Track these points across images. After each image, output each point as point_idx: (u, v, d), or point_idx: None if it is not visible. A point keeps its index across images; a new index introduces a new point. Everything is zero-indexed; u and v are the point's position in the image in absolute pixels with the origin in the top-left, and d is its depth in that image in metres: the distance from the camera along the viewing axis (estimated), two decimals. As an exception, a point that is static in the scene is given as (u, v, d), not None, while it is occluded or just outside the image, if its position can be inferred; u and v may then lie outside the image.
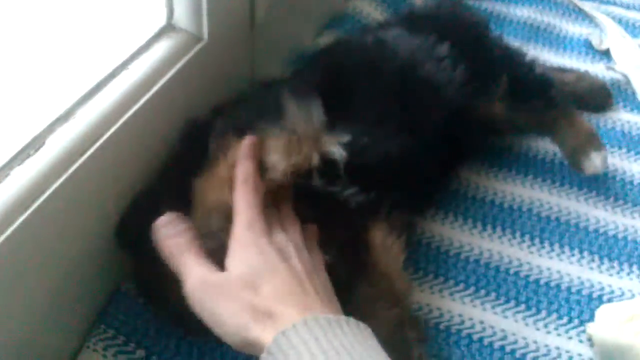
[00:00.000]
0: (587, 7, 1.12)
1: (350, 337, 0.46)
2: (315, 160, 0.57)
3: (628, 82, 0.97)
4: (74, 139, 0.53)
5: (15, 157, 0.51)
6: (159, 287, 0.57)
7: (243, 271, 0.50)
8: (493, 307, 0.68)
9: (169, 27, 0.66)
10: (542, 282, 0.70)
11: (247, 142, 0.57)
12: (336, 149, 0.58)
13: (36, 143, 0.52)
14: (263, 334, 0.46)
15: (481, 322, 0.66)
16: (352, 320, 0.48)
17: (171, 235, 0.53)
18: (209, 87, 0.69)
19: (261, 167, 0.57)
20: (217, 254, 0.52)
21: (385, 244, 0.61)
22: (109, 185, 0.57)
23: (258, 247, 0.52)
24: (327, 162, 0.58)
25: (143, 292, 0.63)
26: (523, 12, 1.10)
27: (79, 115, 0.55)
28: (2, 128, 0.52)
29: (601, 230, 0.76)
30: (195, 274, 0.50)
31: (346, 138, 0.58)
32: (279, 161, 0.56)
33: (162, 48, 0.64)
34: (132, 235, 0.59)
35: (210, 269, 0.51)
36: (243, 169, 0.55)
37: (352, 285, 0.58)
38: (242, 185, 0.55)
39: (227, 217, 0.54)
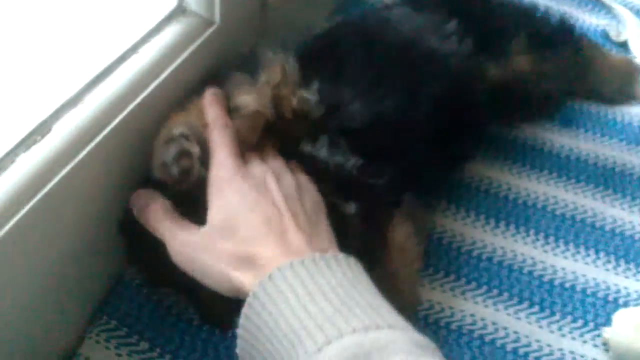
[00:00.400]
0: (605, -2, 1.10)
1: (339, 275, 0.45)
2: (293, 103, 0.56)
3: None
4: (82, 125, 0.51)
5: (21, 143, 0.49)
6: (163, 272, 0.55)
7: (219, 219, 0.50)
8: (506, 308, 0.66)
9: (179, 11, 0.63)
10: (556, 282, 0.69)
11: (209, 91, 0.57)
12: (310, 95, 0.57)
13: (43, 129, 0.50)
14: (245, 279, 0.46)
15: (494, 323, 0.65)
16: (341, 256, 0.47)
17: (147, 204, 0.53)
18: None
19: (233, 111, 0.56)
20: (180, 160, 0.52)
21: (405, 245, 0.59)
22: (116, 174, 0.56)
23: (232, 185, 0.51)
24: (301, 115, 0.57)
25: (148, 281, 0.62)
26: (539, 3, 1.07)
27: (87, 101, 0.53)
28: (7, 113, 0.50)
29: (618, 231, 0.74)
30: (175, 238, 0.51)
31: (315, 85, 0.58)
32: (249, 101, 0.56)
33: (172, 32, 0.61)
34: (136, 227, 0.57)
35: (189, 228, 0.51)
36: (211, 113, 0.55)
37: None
38: (211, 128, 0.54)
39: (191, 128, 0.54)
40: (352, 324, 0.42)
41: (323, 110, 0.58)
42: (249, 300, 0.45)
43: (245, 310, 0.45)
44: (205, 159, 0.53)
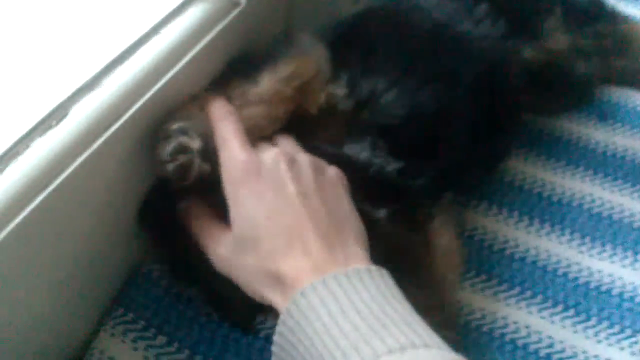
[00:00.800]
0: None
1: (373, 289, 0.43)
2: (320, 99, 0.54)
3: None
4: (100, 110, 0.48)
5: (36, 127, 0.46)
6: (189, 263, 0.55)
7: (239, 230, 0.48)
8: (540, 311, 0.63)
9: (203, -10, 0.60)
10: (592, 285, 0.65)
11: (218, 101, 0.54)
12: (339, 88, 0.55)
13: (59, 113, 0.47)
14: (276, 298, 0.46)
15: (527, 327, 0.61)
16: (373, 269, 0.45)
17: (195, 216, 0.52)
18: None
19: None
20: (178, 157, 0.50)
21: (449, 249, 0.56)
22: (136, 162, 0.53)
23: (246, 187, 0.48)
24: (327, 112, 0.54)
25: (169, 273, 0.60)
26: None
27: (105, 84, 0.50)
28: (22, 96, 0.47)
29: (658, 232, 0.71)
30: (213, 253, 0.50)
31: (344, 79, 0.55)
32: (270, 87, 0.54)
33: (196, 13, 0.58)
34: (154, 216, 0.55)
35: (224, 239, 0.49)
36: (214, 109, 0.53)
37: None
38: (214, 119, 0.52)
39: (192, 120, 0.52)
40: (387, 343, 0.39)
41: (353, 105, 0.54)
42: (282, 318, 0.43)
43: (278, 328, 0.43)
44: (209, 153, 0.50)
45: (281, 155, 0.50)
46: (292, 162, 0.50)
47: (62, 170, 0.45)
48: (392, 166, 0.54)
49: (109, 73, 0.50)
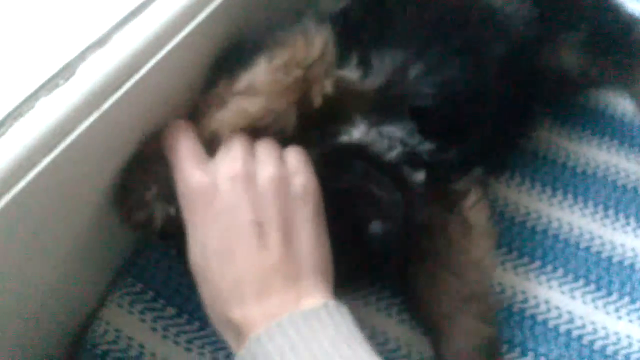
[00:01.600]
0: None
1: (331, 330, 0.40)
2: (326, 87, 0.49)
3: None
4: (110, 68, 0.45)
5: (42, 86, 0.43)
6: None
7: (194, 256, 0.44)
8: (560, 285, 0.61)
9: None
10: (614, 260, 0.63)
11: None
12: (351, 71, 0.50)
13: (66, 72, 0.44)
14: (230, 341, 0.43)
15: (546, 302, 0.59)
16: (331, 305, 0.41)
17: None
18: (260, 14, 0.61)
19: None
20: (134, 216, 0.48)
21: (486, 229, 0.53)
22: (146, 124, 0.50)
23: (198, 215, 0.44)
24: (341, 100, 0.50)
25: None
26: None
27: (115, 41, 0.46)
28: (28, 53, 0.44)
29: (684, 206, 0.68)
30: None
31: (354, 60, 0.51)
32: (259, 67, 0.49)
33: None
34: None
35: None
36: (166, 131, 0.49)
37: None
38: (164, 135, 0.48)
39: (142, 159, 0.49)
40: None
41: (375, 86, 0.51)
42: None
43: None
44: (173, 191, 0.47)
45: (239, 174, 0.44)
46: (250, 183, 0.44)
47: (69, 132, 0.43)
48: (426, 147, 0.51)
49: (119, 29, 0.47)
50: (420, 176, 0.50)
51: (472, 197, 0.55)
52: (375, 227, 0.46)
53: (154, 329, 0.54)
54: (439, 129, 0.53)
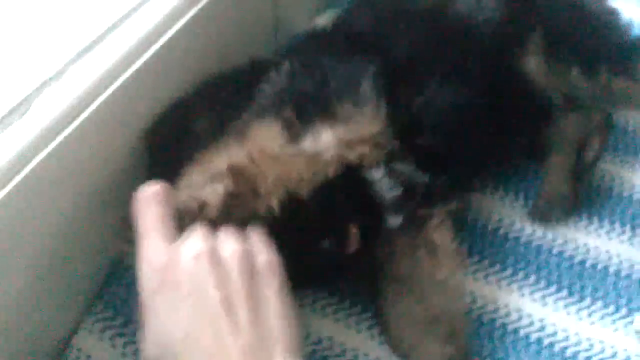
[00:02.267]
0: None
1: None
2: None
3: None
4: (99, 71, 0.48)
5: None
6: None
7: (156, 344, 0.41)
8: (532, 293, 0.61)
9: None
10: (588, 264, 0.63)
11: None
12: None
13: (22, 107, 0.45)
14: None
15: (518, 310, 0.60)
16: None
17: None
18: (228, 36, 0.61)
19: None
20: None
21: (450, 246, 0.53)
22: (131, 130, 0.53)
23: (163, 293, 0.41)
24: None
25: None
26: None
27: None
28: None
29: (656, 206, 0.68)
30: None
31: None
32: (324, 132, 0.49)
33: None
34: (159, 140, 0.55)
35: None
36: (139, 195, 0.45)
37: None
38: (138, 207, 0.45)
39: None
40: None
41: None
42: None
43: None
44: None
45: (203, 252, 0.42)
46: (216, 260, 0.42)
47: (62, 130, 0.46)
48: (423, 178, 0.52)
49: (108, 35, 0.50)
50: (397, 221, 0.50)
51: (436, 219, 0.55)
52: (325, 243, 0.49)
53: (124, 354, 0.55)
54: (434, 160, 0.54)
